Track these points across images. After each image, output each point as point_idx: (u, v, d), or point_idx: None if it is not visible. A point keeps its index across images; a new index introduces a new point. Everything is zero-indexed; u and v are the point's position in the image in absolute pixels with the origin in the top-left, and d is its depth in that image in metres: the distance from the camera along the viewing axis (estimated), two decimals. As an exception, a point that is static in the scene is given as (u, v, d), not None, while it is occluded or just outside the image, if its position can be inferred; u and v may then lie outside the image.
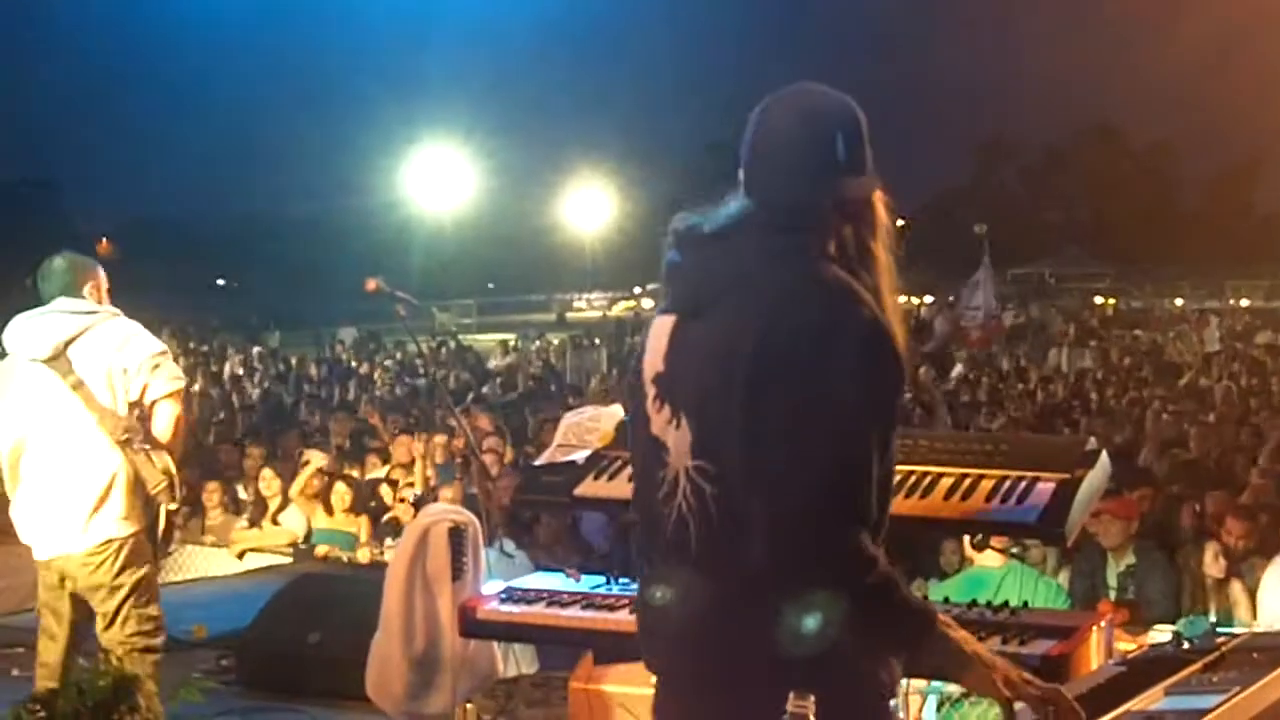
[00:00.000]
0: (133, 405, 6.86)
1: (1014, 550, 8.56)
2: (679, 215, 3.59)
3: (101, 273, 7.20)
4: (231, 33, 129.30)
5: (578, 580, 5.48)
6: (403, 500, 12.56)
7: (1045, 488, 4.58)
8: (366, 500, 13.32)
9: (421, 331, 29.53)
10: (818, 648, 3.25)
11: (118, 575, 6.89)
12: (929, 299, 58.56)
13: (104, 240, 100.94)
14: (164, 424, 6.89)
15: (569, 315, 60.91)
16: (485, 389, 26.18)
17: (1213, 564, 9.66)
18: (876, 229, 3.52)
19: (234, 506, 13.76)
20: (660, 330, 3.55)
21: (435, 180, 67.79)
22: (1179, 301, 57.74)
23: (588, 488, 5.09)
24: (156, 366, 6.86)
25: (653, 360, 3.55)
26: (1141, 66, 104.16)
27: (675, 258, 3.57)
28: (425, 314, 38.20)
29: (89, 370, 6.82)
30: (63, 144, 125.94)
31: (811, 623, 3.24)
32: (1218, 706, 3.30)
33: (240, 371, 30.17)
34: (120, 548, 6.87)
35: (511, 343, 37.82)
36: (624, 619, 4.93)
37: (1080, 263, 79.32)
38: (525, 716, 8.07)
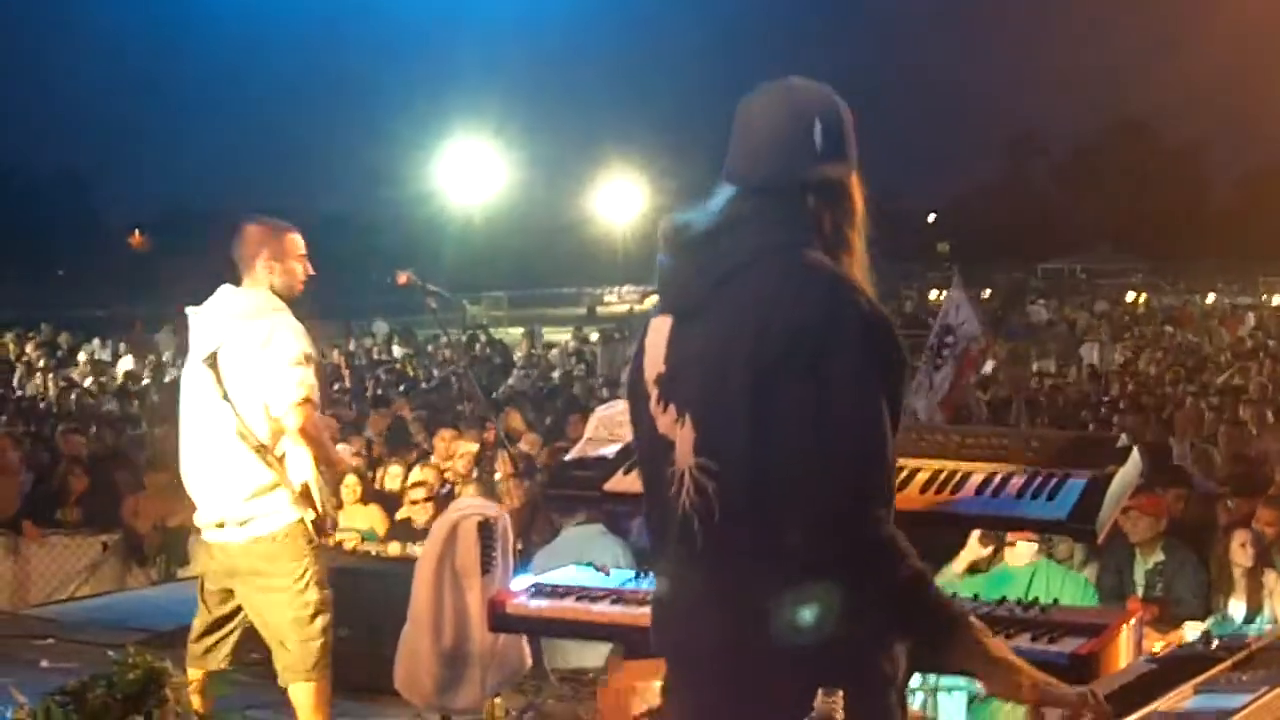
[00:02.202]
0: (273, 416, 6.91)
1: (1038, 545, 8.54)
2: (666, 216, 3.64)
3: (284, 245, 7.21)
4: (263, 25, 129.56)
5: (607, 575, 5.48)
6: (414, 502, 12.45)
7: (1076, 484, 4.56)
8: (374, 492, 13.23)
9: (453, 325, 29.57)
10: (827, 639, 3.27)
11: (275, 564, 6.99)
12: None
13: (135, 232, 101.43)
14: (292, 432, 6.92)
15: (599, 309, 60.85)
16: (512, 381, 26.22)
17: (1240, 552, 9.60)
18: (854, 217, 3.56)
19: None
20: (658, 331, 3.59)
21: (467, 173, 67.81)
22: (1211, 298, 57.46)
23: (618, 482, 5.07)
24: (282, 377, 6.87)
25: (653, 361, 3.58)
26: (1174, 61, 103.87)
27: (665, 259, 3.61)
28: (456, 307, 38.23)
29: (234, 379, 6.91)
30: (92, 136, 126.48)
31: (823, 614, 3.25)
32: (1247, 705, 3.29)
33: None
34: (271, 540, 6.97)
35: (542, 338, 37.83)
36: (653, 614, 4.93)
37: (1112, 259, 79.02)
38: (553, 710, 8.07)
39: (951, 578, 8.32)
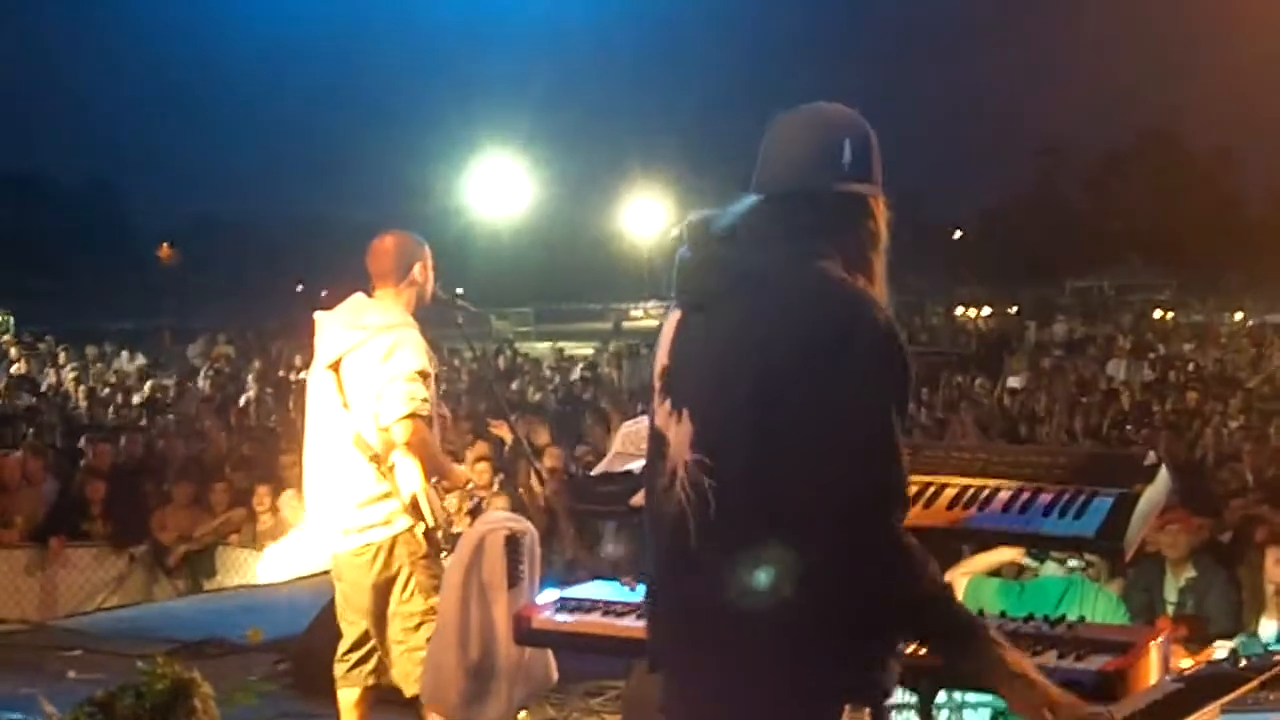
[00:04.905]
0: (382, 428, 6.93)
1: (1072, 562, 8.51)
2: (691, 213, 3.66)
3: (425, 258, 7.29)
4: (294, 39, 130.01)
5: (633, 589, 5.48)
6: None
7: (1104, 502, 4.56)
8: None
9: (479, 339, 29.60)
10: (826, 647, 3.27)
11: (379, 574, 7.02)
12: (986, 311, 58.38)
13: (165, 244, 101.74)
14: (400, 445, 6.93)
15: (625, 324, 60.85)
16: (539, 396, 26.25)
17: (1274, 569, 9.56)
18: (876, 239, 3.57)
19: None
20: (668, 326, 3.63)
21: (494, 188, 67.93)
22: (1239, 315, 57.24)
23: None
24: (394, 391, 6.88)
25: (660, 355, 3.61)
26: (1202, 72, 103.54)
27: (684, 253, 3.64)
28: (483, 321, 38.34)
29: (354, 389, 6.96)
30: (123, 148, 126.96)
31: (823, 620, 3.27)
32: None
33: (302, 376, 30.04)
34: (379, 550, 7.00)
35: (565, 351, 37.90)
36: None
37: (1141, 274, 78.80)
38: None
39: (979, 571, 8.30)
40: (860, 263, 3.50)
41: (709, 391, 3.44)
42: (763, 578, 3.31)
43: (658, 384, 3.60)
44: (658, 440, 3.56)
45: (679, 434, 3.49)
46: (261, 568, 12.80)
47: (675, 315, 3.62)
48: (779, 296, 3.38)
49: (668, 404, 3.54)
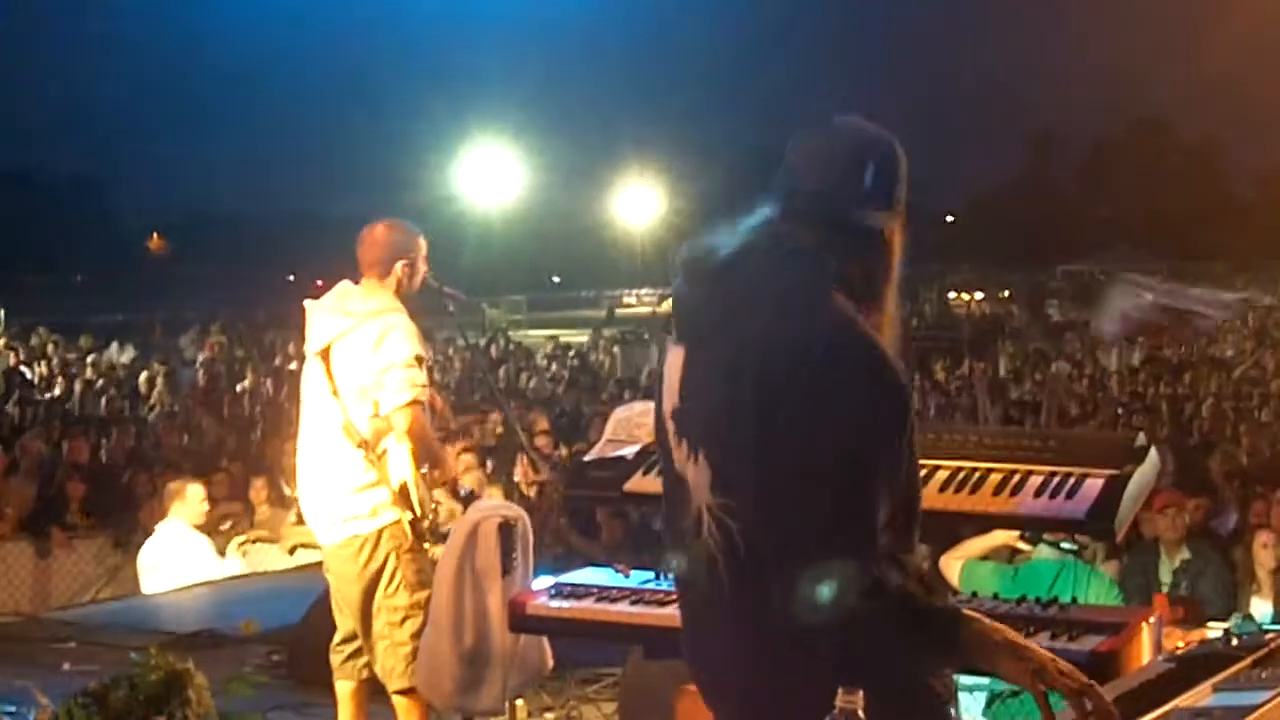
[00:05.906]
0: (374, 416, 6.93)
1: (1065, 545, 8.51)
2: (686, 243, 3.55)
3: (415, 248, 7.28)
4: (282, 30, 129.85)
5: (627, 576, 5.49)
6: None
7: (1094, 483, 4.57)
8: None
9: (472, 327, 29.57)
10: (861, 675, 3.23)
11: (364, 567, 7.02)
12: (979, 295, 58.39)
13: (154, 235, 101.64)
14: (398, 434, 6.94)
15: (619, 311, 60.85)
16: (533, 383, 26.28)
17: (1263, 552, 9.59)
18: (889, 272, 3.46)
19: (281, 502, 13.81)
20: (673, 363, 3.51)
21: (485, 177, 67.89)
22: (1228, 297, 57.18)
23: (637, 483, 5.09)
24: (385, 381, 6.89)
25: (669, 394, 3.50)
26: (1192, 59, 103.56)
27: (681, 287, 3.53)
28: (475, 310, 38.32)
29: (344, 376, 6.97)
30: (111, 140, 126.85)
31: (845, 650, 3.21)
32: (1266, 703, 3.28)
33: (293, 366, 30.02)
34: (364, 543, 7.00)
35: (560, 339, 37.92)
36: (674, 614, 4.90)
37: (1131, 259, 78.82)
38: (575, 712, 8.08)
39: (973, 555, 8.31)
40: (869, 293, 3.39)
41: (720, 431, 3.34)
42: (797, 619, 3.20)
43: (671, 425, 3.49)
44: (678, 483, 3.47)
45: (697, 477, 3.40)
46: (144, 562, 12.50)
47: (679, 351, 3.49)
48: (771, 327, 3.27)
49: (684, 446, 3.44)
